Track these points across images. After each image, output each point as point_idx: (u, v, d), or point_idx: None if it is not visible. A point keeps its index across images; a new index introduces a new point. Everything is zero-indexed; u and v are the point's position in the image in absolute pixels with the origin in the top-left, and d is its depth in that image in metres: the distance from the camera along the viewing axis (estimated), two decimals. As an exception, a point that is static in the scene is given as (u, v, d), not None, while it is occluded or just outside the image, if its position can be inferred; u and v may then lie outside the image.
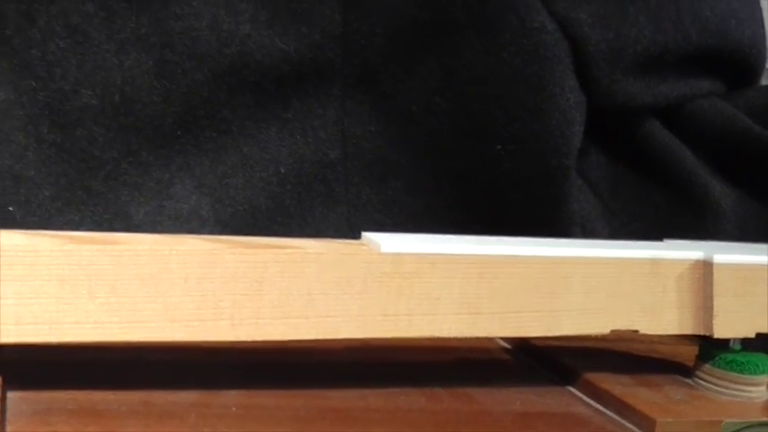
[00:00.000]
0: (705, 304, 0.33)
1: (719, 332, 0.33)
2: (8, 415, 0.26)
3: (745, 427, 0.31)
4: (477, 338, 0.34)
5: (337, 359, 0.34)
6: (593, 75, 0.45)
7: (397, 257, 0.29)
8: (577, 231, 0.46)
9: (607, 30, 0.44)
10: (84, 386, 0.28)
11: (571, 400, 0.33)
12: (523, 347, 0.38)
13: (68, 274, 0.26)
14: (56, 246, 0.26)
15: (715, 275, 0.33)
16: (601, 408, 0.33)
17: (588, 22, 0.44)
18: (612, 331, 0.32)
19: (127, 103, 0.42)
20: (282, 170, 0.45)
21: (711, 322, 0.33)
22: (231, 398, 0.29)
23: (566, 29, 0.43)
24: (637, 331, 0.32)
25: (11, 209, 0.41)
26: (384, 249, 0.29)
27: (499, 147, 0.45)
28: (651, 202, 0.48)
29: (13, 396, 0.27)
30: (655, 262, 0.32)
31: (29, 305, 0.26)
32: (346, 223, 0.46)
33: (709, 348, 0.34)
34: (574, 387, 0.34)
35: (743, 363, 0.33)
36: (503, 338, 0.39)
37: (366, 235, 0.30)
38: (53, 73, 0.41)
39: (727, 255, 0.33)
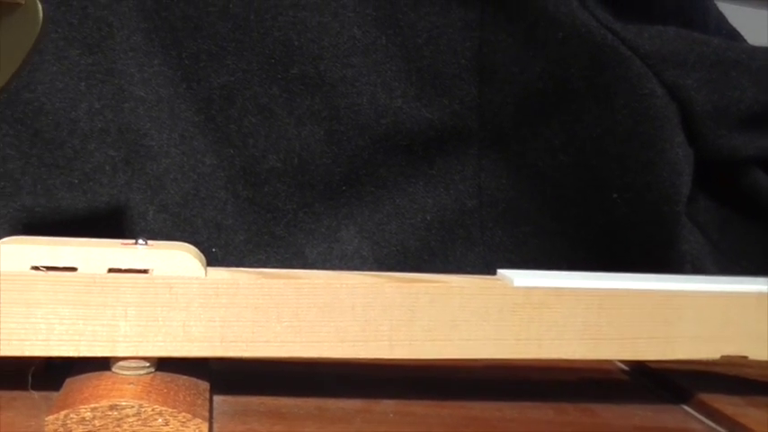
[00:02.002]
0: (811, 334, 0.31)
1: (826, 360, 0.31)
2: (214, 414, 0.28)
3: None
4: (599, 361, 0.33)
5: (477, 376, 0.34)
6: (699, 132, 0.43)
7: (528, 291, 0.29)
8: (688, 269, 0.44)
9: (712, 92, 0.42)
10: (271, 393, 0.30)
11: (685, 417, 0.32)
12: (640, 369, 0.36)
13: (261, 302, 0.27)
14: (252, 280, 0.27)
15: (820, 308, 0.31)
16: (714, 425, 0.31)
17: (694, 86, 0.42)
18: (723, 356, 0.30)
19: (303, 164, 0.44)
20: (428, 217, 0.45)
21: (818, 350, 0.31)
22: (389, 406, 0.30)
23: (674, 93, 0.42)
24: (746, 357, 0.31)
25: (214, 250, 0.44)
26: (516, 284, 0.29)
27: (616, 195, 0.44)
28: (757, 242, 0.46)
29: (217, 399, 0.29)
30: (762, 295, 0.31)
31: (231, 327, 0.27)
32: (482, 261, 0.46)
33: (817, 374, 0.32)
34: (688, 406, 0.33)
35: None
36: (621, 361, 0.37)
37: (501, 271, 0.30)
38: (247, 143, 0.43)
39: (831, 289, 0.31)
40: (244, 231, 0.44)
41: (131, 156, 0.43)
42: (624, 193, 0.44)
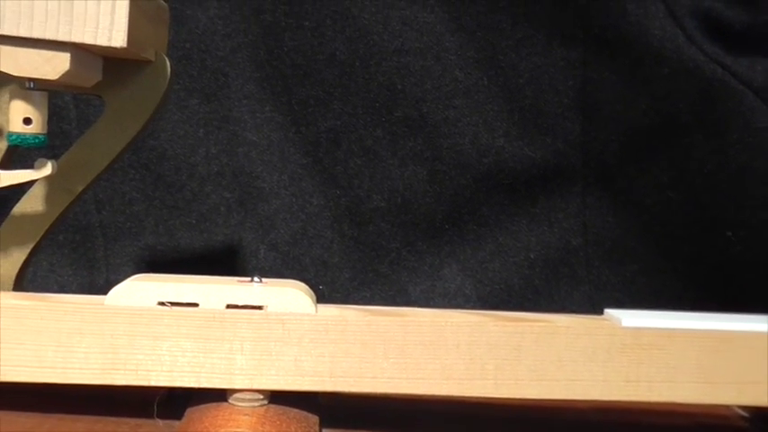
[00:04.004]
0: None
1: None
2: (323, 447, 0.29)
3: None
4: (716, 406, 0.32)
5: (585, 418, 0.33)
6: (819, 166, 0.41)
7: (637, 331, 0.28)
8: (811, 310, 0.42)
9: (831, 125, 0.41)
10: (378, 427, 0.30)
11: (812, 468, 0.30)
12: (761, 416, 0.35)
13: (369, 339, 0.28)
14: (360, 317, 0.28)
15: None
16: (844, 478, 0.29)
17: (811, 120, 0.41)
18: None
19: (407, 204, 0.45)
20: (532, 255, 0.45)
21: None
22: (495, 445, 0.30)
23: (790, 127, 0.41)
24: None
25: (321, 287, 0.45)
26: (625, 324, 0.28)
27: (729, 233, 0.42)
28: None
29: (325, 432, 0.30)
30: None
31: (339, 362, 0.28)
32: (588, 301, 0.45)
33: None
34: (814, 456, 0.31)
35: None
36: (740, 407, 0.36)
37: (608, 311, 0.30)
38: (352, 183, 0.45)
39: None
40: (349, 269, 0.45)
41: (244, 197, 0.45)
42: (739, 230, 0.42)
